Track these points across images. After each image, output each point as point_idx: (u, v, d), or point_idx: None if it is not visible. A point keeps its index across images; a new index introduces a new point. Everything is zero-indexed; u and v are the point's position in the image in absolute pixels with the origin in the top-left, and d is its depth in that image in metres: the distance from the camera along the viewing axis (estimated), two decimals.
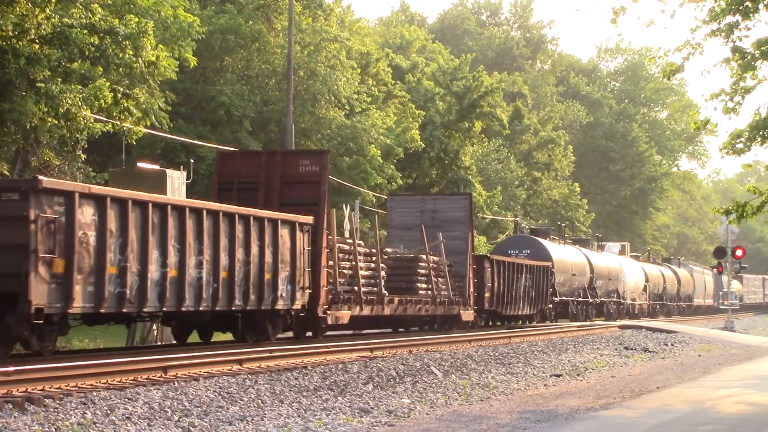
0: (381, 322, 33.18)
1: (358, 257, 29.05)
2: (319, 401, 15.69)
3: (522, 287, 42.01)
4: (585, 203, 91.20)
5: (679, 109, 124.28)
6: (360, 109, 51.89)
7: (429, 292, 33.35)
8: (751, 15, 21.09)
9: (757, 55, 21.04)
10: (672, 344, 33.64)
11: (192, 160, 34.13)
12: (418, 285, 33.14)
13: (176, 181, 28.34)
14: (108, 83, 27.82)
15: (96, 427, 12.55)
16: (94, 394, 14.74)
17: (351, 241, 29.87)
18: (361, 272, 29.15)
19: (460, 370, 21.42)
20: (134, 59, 28.63)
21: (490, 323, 41.64)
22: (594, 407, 15.89)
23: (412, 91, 60.64)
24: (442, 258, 34.69)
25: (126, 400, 14.50)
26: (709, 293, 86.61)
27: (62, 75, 27.33)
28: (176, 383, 16.57)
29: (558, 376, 21.39)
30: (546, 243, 49.64)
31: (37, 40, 26.74)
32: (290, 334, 27.38)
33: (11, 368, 15.03)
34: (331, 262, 27.35)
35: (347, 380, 18.44)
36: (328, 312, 26.86)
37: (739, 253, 51.42)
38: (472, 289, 36.50)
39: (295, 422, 13.64)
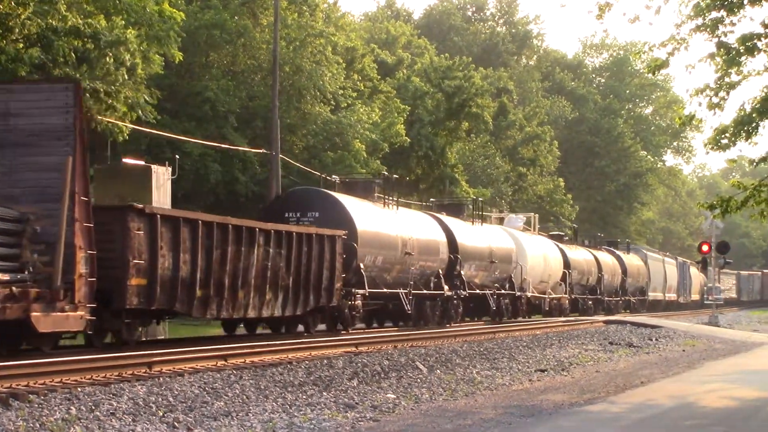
0: None
1: None
2: (304, 396, 15.69)
3: (259, 270, 25.59)
4: (570, 198, 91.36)
5: (664, 104, 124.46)
6: (345, 105, 51.87)
7: None
8: (736, 10, 21.16)
9: (741, 51, 21.10)
10: (656, 339, 33.77)
11: (177, 156, 33.98)
12: None
13: (161, 177, 28.20)
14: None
15: (80, 422, 12.52)
16: (79, 389, 14.73)
17: None
18: None
19: (445, 366, 21.44)
20: (113, 65, 28.58)
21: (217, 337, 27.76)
22: (579, 402, 15.93)
23: (401, 89, 60.61)
24: None
25: (111, 395, 14.49)
26: (671, 286, 75.94)
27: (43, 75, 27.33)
28: (161, 379, 16.58)
29: (543, 371, 21.43)
30: (349, 202, 31.88)
31: (20, 40, 26.70)
32: None
33: None
34: None
35: (332, 376, 18.45)
36: None
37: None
38: (82, 269, 18.96)
39: (280, 417, 13.64)
